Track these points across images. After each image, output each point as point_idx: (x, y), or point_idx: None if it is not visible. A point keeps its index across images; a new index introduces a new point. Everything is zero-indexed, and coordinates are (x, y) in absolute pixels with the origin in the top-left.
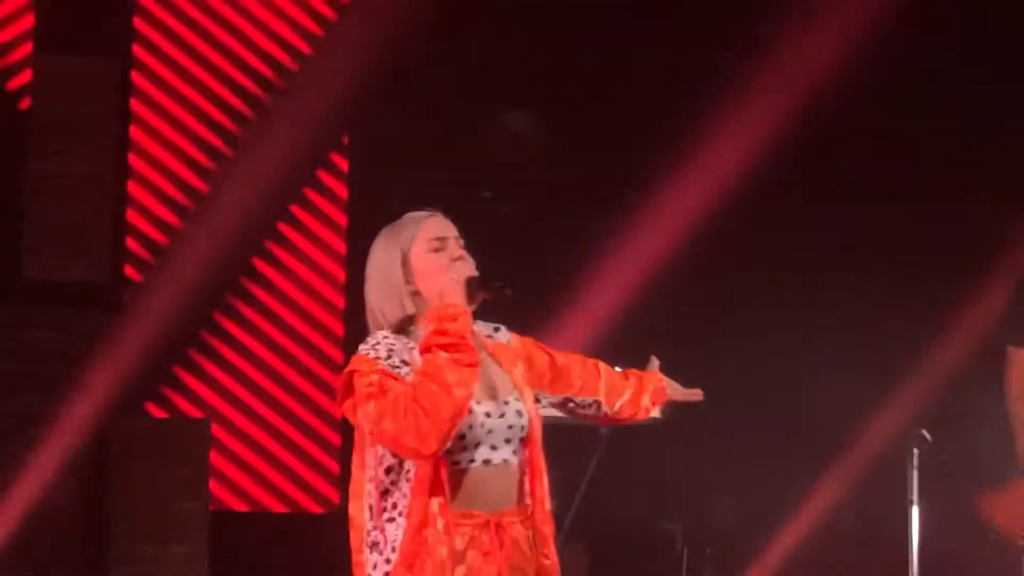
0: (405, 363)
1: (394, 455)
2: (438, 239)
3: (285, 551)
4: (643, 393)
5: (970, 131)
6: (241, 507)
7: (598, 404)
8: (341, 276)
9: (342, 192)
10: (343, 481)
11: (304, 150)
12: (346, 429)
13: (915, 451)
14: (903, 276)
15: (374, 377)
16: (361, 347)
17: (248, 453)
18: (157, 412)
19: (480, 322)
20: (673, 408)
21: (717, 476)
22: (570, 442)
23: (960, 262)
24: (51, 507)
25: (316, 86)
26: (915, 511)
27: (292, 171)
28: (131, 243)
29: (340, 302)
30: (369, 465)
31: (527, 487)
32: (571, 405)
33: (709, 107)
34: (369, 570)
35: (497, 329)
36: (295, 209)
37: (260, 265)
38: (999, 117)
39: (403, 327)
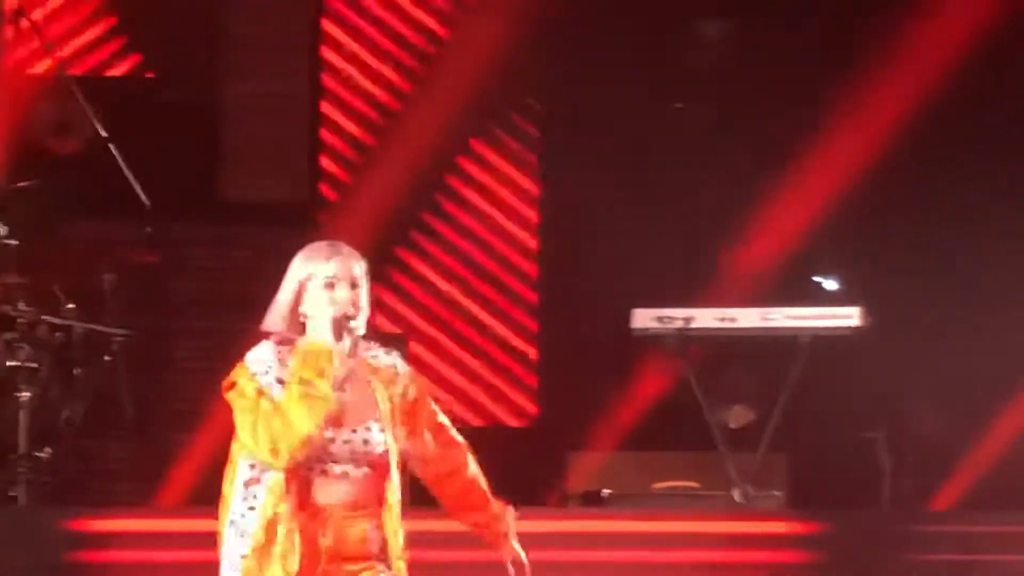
0: (280, 381)
1: None
2: (329, 278)
3: (483, 465)
4: (477, 511)
5: None
6: None
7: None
8: (534, 190)
9: (535, 106)
10: (541, 394)
11: (497, 67)
12: (543, 342)
13: None
14: None
15: (251, 392)
16: (248, 355)
17: (445, 368)
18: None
19: (373, 344)
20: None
21: (920, 385)
22: (769, 352)
23: None
24: None
25: (506, 6)
26: None
27: (486, 87)
28: (325, 162)
29: (533, 216)
30: (241, 456)
31: (367, 495)
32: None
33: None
34: (225, 546)
35: (388, 352)
36: (489, 125)
37: (454, 182)
38: None
39: (288, 338)
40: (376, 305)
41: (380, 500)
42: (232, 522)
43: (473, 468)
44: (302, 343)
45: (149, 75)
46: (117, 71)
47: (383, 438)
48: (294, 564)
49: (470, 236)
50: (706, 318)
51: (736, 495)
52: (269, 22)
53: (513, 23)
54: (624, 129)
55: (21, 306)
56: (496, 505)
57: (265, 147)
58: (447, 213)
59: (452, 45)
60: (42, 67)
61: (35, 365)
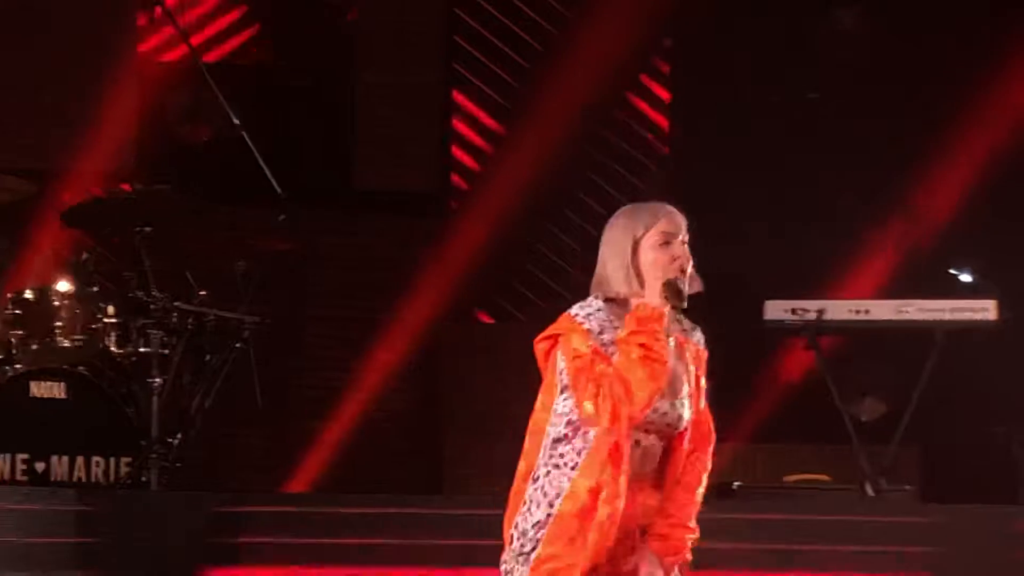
0: (614, 343)
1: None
2: (666, 234)
3: None
4: (679, 514)
5: None
6: None
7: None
8: (666, 184)
9: (664, 95)
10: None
11: (626, 54)
12: None
13: None
14: None
15: (585, 351)
16: (574, 309)
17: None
18: (485, 318)
19: (684, 320)
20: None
21: None
22: (905, 347)
23: None
24: (387, 410)
25: None
26: None
27: (614, 76)
28: (457, 152)
29: None
30: (553, 411)
31: (662, 468)
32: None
33: None
34: (528, 504)
35: (694, 328)
36: (618, 114)
37: (584, 171)
38: None
39: (618, 300)
40: (505, 294)
41: (663, 472)
42: (535, 478)
43: (700, 492)
44: (635, 305)
45: (281, 64)
46: (249, 60)
47: (689, 414)
48: (612, 533)
49: (600, 222)
50: (839, 310)
51: (868, 488)
52: (402, 10)
53: (642, 5)
54: (758, 118)
55: (154, 292)
56: (677, 533)
57: (397, 136)
58: (581, 200)
59: (581, 30)
60: (176, 54)
61: (167, 351)
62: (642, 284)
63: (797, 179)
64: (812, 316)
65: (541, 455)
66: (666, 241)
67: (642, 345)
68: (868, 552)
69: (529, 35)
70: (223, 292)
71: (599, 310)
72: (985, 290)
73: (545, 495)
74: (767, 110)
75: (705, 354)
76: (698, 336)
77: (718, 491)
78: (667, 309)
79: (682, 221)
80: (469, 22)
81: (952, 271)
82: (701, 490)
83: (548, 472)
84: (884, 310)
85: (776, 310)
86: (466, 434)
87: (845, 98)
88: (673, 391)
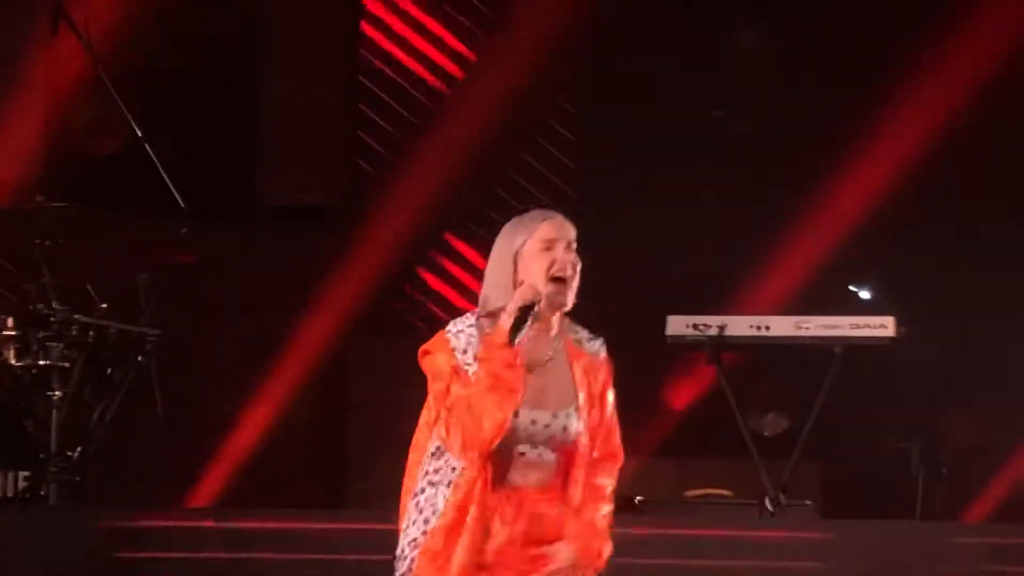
0: (477, 359)
1: None
2: (547, 240)
3: None
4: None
5: None
6: None
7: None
8: (571, 194)
9: (571, 112)
10: None
11: (534, 69)
12: None
13: None
14: None
15: (445, 371)
16: (449, 325)
17: None
18: (388, 332)
19: (579, 328)
20: None
21: (953, 395)
22: (803, 361)
23: None
24: (289, 425)
25: (544, 5)
26: None
27: (523, 88)
28: (362, 165)
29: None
30: (430, 427)
31: (558, 479)
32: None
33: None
34: (407, 522)
35: (593, 339)
36: (527, 128)
37: (489, 182)
38: None
39: (498, 314)
40: (410, 306)
41: (566, 484)
42: (415, 494)
43: (607, 507)
44: (493, 326)
45: (187, 75)
46: (155, 70)
47: (579, 426)
48: (484, 546)
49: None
50: (740, 326)
51: (768, 504)
52: (307, 24)
53: (551, 25)
54: (660, 136)
55: (54, 305)
56: (592, 544)
57: (302, 149)
58: (482, 215)
59: (489, 48)
60: (80, 67)
61: (67, 364)
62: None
63: (699, 195)
64: (714, 331)
65: (420, 471)
66: (547, 247)
67: (490, 373)
68: (768, 567)
69: (436, 49)
70: (125, 305)
71: (470, 326)
72: (884, 307)
73: (421, 512)
74: (671, 128)
75: (604, 364)
76: (596, 347)
77: (620, 505)
78: (555, 320)
79: (566, 226)
80: (375, 36)
81: (851, 287)
82: (607, 505)
83: (424, 489)
84: (784, 326)
85: (678, 325)
86: (369, 449)
87: (749, 116)
88: (557, 402)
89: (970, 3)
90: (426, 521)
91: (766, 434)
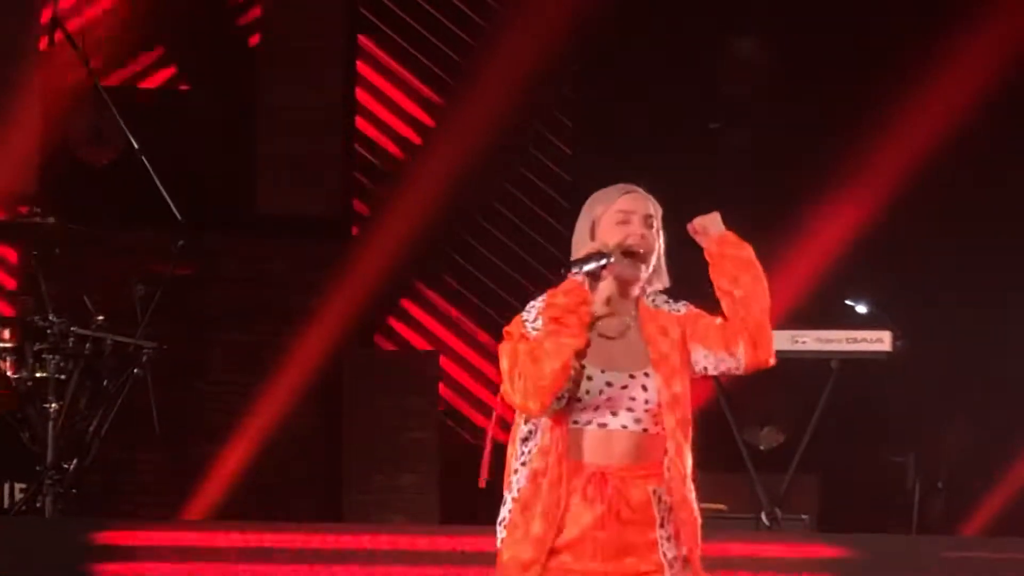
0: None
1: None
2: (624, 212)
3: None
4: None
5: None
6: (469, 438)
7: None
8: (566, 204)
9: (568, 125)
10: None
11: (531, 83)
12: None
13: None
14: None
15: (514, 334)
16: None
17: (475, 385)
18: (385, 344)
19: (661, 296)
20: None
21: (949, 409)
22: (800, 375)
23: None
24: (286, 435)
25: (540, 19)
26: None
27: (519, 104)
28: (360, 177)
29: (565, 232)
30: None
31: (654, 452)
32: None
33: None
34: (504, 507)
35: (674, 303)
36: (523, 142)
37: (487, 197)
38: None
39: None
40: (405, 320)
41: (660, 461)
42: (510, 483)
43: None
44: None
45: (183, 87)
46: (151, 83)
47: (662, 387)
48: (556, 521)
49: (502, 251)
50: None
51: (764, 518)
52: (304, 36)
53: (547, 38)
54: (656, 147)
55: (51, 317)
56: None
57: (299, 161)
58: (480, 229)
59: (486, 60)
60: (77, 78)
61: (64, 376)
62: None
63: (696, 209)
64: None
65: (512, 460)
66: (624, 220)
67: (552, 318)
68: None
69: (432, 62)
70: (121, 317)
71: (542, 299)
72: (880, 321)
73: (511, 491)
74: (667, 141)
75: (682, 313)
76: (677, 306)
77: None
78: (633, 292)
79: (645, 200)
80: (372, 48)
81: (848, 302)
82: (689, 474)
83: (516, 470)
84: (781, 340)
85: None
86: (366, 460)
87: (746, 128)
88: (632, 364)
89: (968, 16)
90: (514, 499)
91: (762, 448)
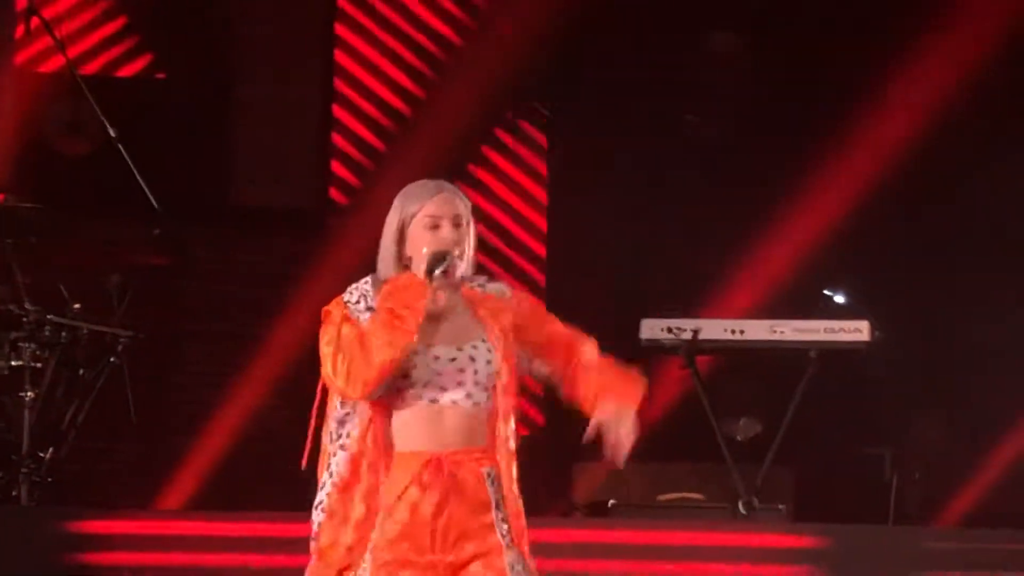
0: (370, 309)
1: None
2: (433, 217)
3: None
4: (586, 389)
5: None
6: None
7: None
8: (543, 197)
9: (544, 113)
10: (547, 403)
11: (506, 73)
12: None
13: None
14: None
15: (336, 318)
16: (348, 287)
17: None
18: None
19: (478, 278)
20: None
21: (927, 400)
22: (778, 365)
23: None
24: (263, 427)
25: (516, 9)
26: None
27: (494, 94)
28: (336, 167)
29: (542, 223)
30: (331, 394)
31: (485, 427)
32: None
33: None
34: (320, 491)
35: (490, 281)
36: (497, 132)
37: (463, 187)
38: None
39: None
40: None
41: (494, 439)
42: (327, 466)
43: (594, 357)
44: (391, 278)
45: (160, 76)
46: (128, 71)
47: (494, 357)
48: (375, 502)
49: (477, 242)
50: (715, 329)
51: (741, 508)
52: (281, 25)
53: (524, 30)
54: (634, 138)
55: (27, 305)
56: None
57: (276, 150)
58: None
59: (463, 50)
60: (53, 66)
61: (39, 365)
62: (408, 267)
63: (674, 199)
64: (688, 335)
65: (329, 445)
66: (434, 225)
67: (389, 310)
68: (740, 572)
69: (411, 52)
70: (97, 306)
71: (366, 283)
72: (858, 311)
73: (329, 474)
74: (644, 132)
75: (513, 298)
76: (501, 288)
77: (592, 509)
78: (439, 281)
79: (454, 201)
80: (349, 38)
81: (826, 292)
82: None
83: (335, 453)
84: (759, 330)
85: (652, 329)
86: None
87: (722, 119)
88: (460, 337)
89: (941, 12)
90: (333, 484)
91: (739, 438)
